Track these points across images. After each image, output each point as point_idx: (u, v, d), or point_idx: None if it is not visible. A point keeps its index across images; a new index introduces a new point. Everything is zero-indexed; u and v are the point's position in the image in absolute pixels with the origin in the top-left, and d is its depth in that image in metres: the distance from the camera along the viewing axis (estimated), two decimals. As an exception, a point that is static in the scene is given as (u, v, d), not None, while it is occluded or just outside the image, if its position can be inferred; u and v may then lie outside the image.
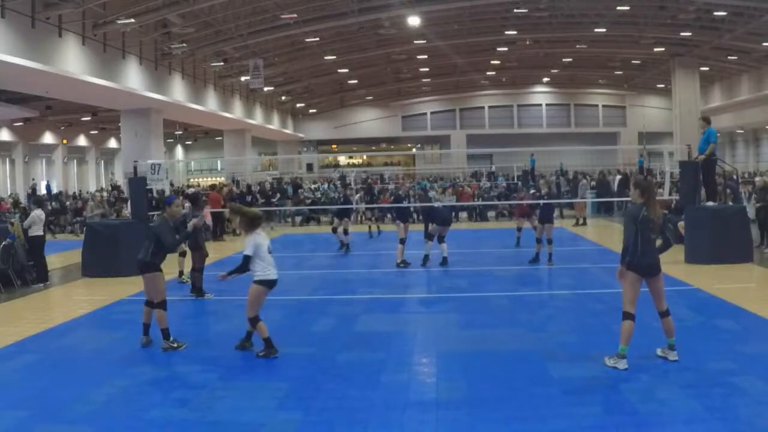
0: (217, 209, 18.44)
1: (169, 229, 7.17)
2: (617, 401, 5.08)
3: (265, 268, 6.42)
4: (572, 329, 7.40)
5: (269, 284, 6.48)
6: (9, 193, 32.18)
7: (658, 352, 6.07)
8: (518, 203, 15.31)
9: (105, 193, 27.79)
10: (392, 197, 18.55)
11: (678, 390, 5.23)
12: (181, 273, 11.15)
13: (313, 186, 31.44)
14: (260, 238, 6.48)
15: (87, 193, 32.56)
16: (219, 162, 50.39)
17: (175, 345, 6.89)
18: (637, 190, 5.99)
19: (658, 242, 5.93)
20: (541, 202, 12.54)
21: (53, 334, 7.77)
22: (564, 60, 40.00)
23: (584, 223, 20.42)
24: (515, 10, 28.48)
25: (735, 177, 18.39)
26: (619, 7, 27.41)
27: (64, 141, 40.88)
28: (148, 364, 6.48)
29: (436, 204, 14.95)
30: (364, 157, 49.75)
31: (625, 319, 5.80)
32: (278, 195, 24.42)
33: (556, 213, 23.39)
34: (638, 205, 5.88)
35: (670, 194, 15.32)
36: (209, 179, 46.68)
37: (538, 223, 12.50)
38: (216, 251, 15.05)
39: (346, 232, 15.21)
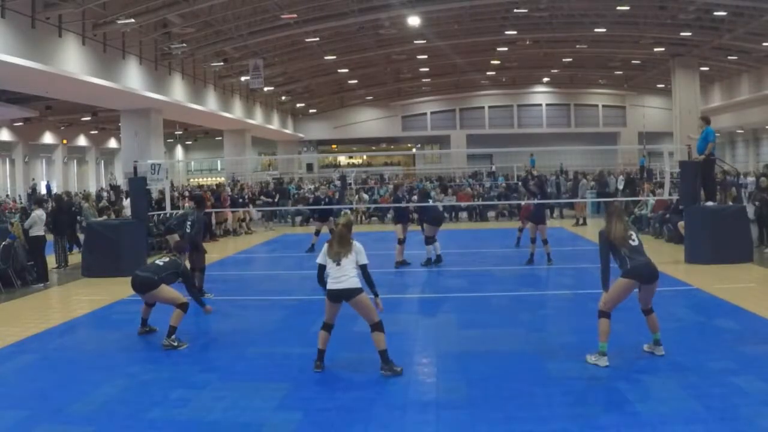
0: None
1: None
2: (617, 401, 5.07)
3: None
4: (572, 329, 7.40)
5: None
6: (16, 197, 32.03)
7: (645, 348, 6.23)
8: (525, 203, 15.25)
9: (102, 193, 27.70)
10: (392, 197, 18.53)
11: (678, 390, 5.23)
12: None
13: (312, 186, 31.38)
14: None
15: (82, 192, 32.39)
16: (219, 162, 50.40)
17: (176, 344, 6.90)
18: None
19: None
20: (526, 201, 12.55)
21: (53, 334, 7.76)
22: (564, 60, 40.01)
23: (584, 223, 20.40)
24: (515, 10, 28.51)
25: (732, 177, 18.35)
26: (619, 7, 27.43)
27: (64, 141, 40.90)
28: (148, 364, 6.48)
29: (432, 203, 14.90)
30: (364, 157, 49.83)
31: (601, 317, 5.97)
32: (277, 195, 24.45)
33: (556, 213, 23.49)
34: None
35: (669, 194, 15.32)
36: (209, 179, 46.68)
37: (531, 224, 12.48)
38: (217, 251, 15.05)
39: (317, 233, 15.17)
